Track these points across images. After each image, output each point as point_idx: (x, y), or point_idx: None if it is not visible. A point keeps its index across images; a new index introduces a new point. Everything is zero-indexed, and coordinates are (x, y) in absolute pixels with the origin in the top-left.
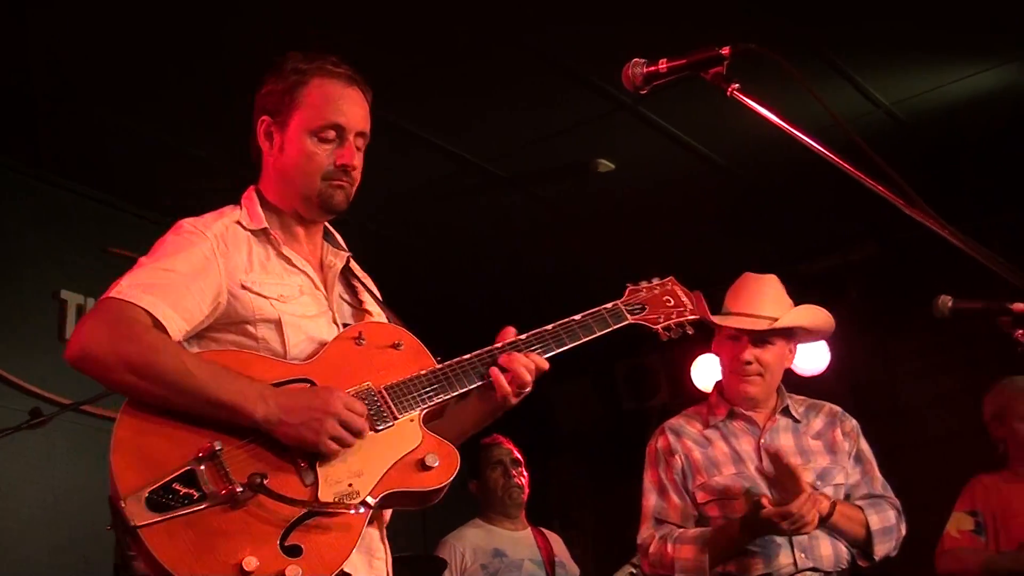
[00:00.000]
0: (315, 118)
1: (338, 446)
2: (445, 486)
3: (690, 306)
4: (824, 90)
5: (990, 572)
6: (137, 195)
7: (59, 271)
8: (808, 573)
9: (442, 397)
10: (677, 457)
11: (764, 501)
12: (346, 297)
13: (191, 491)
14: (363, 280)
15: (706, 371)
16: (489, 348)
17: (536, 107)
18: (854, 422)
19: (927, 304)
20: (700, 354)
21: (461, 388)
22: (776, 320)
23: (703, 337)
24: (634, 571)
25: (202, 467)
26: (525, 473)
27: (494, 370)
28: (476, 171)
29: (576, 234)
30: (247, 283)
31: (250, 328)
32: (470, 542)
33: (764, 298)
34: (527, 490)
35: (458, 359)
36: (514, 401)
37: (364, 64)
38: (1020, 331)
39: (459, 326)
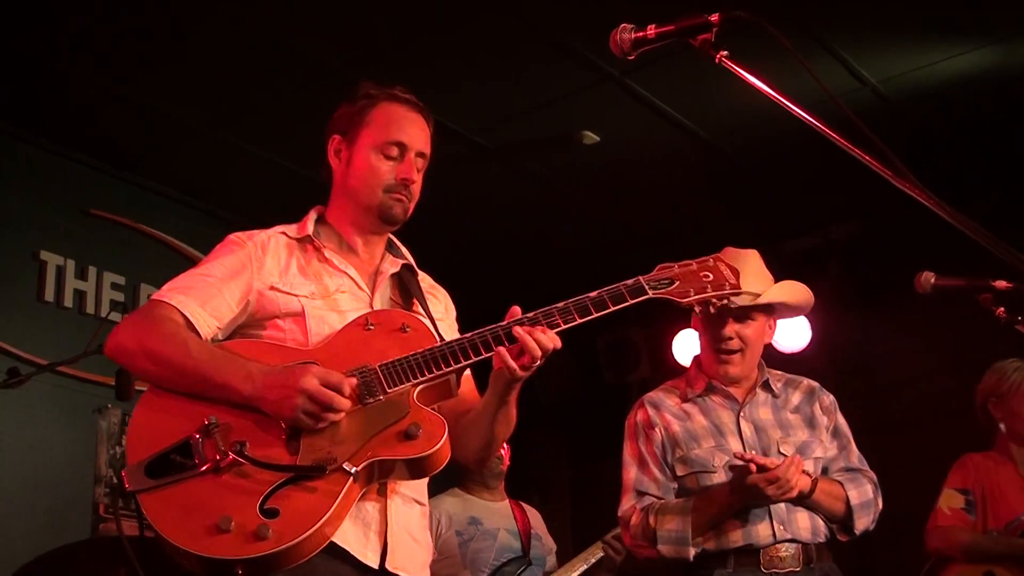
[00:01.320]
0: (380, 135)
1: (312, 420)
2: (433, 454)
3: (732, 280)
4: (811, 66)
5: (976, 552)
6: (119, 158)
7: (40, 232)
8: (787, 544)
9: (434, 371)
10: (657, 430)
11: (751, 467)
12: (396, 299)
13: (185, 460)
14: (426, 291)
15: (687, 346)
16: (491, 326)
17: (522, 78)
18: (831, 397)
19: (909, 282)
20: (681, 329)
21: (455, 364)
22: (758, 296)
23: (682, 313)
24: (605, 549)
25: (198, 437)
26: (506, 445)
27: (499, 347)
28: (461, 142)
29: (561, 206)
30: (277, 284)
31: (279, 322)
32: (446, 509)
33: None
34: (507, 462)
35: (457, 338)
36: (522, 374)
37: (350, 35)
38: (1001, 308)
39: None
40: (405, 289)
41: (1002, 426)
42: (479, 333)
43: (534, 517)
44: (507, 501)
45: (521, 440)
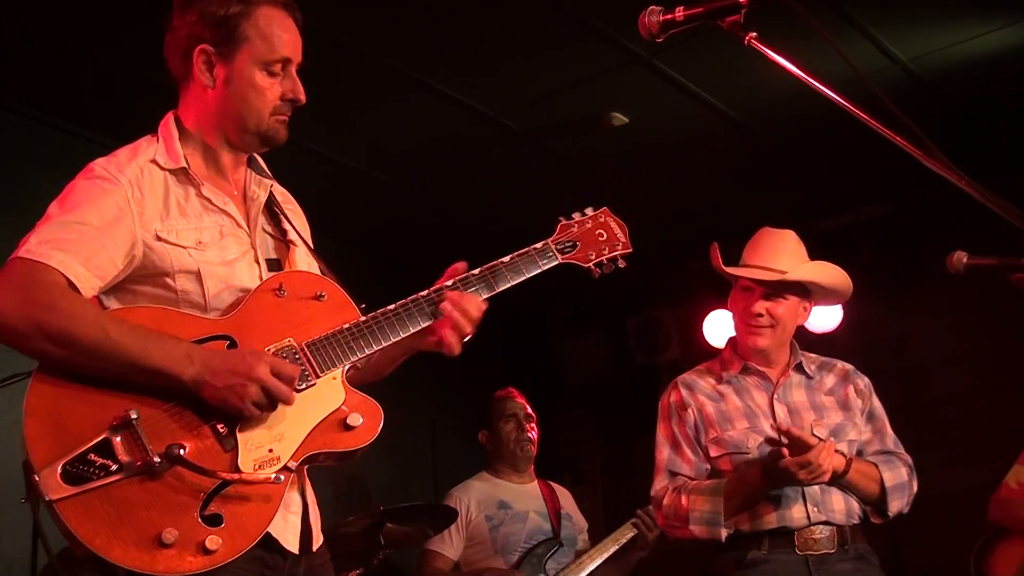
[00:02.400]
0: (264, 52)
1: (258, 412)
2: (369, 444)
3: (622, 239)
4: (840, 45)
5: None
6: None
7: None
8: (821, 526)
9: (365, 352)
10: (690, 411)
11: (783, 451)
12: (269, 229)
13: (107, 462)
14: (284, 207)
15: (718, 327)
16: (413, 297)
17: (550, 60)
18: (867, 380)
19: (940, 262)
20: (712, 309)
21: (385, 341)
22: (786, 273)
23: (715, 292)
24: (635, 528)
25: (117, 437)
26: (536, 429)
27: (443, 322)
28: (489, 124)
29: (590, 188)
30: (163, 233)
31: (168, 280)
32: (475, 494)
33: (779, 252)
34: (536, 446)
35: (382, 310)
36: (457, 351)
37: (377, 19)
38: None
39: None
40: (273, 214)
41: None
42: (403, 305)
43: (564, 497)
44: (536, 482)
45: (552, 421)
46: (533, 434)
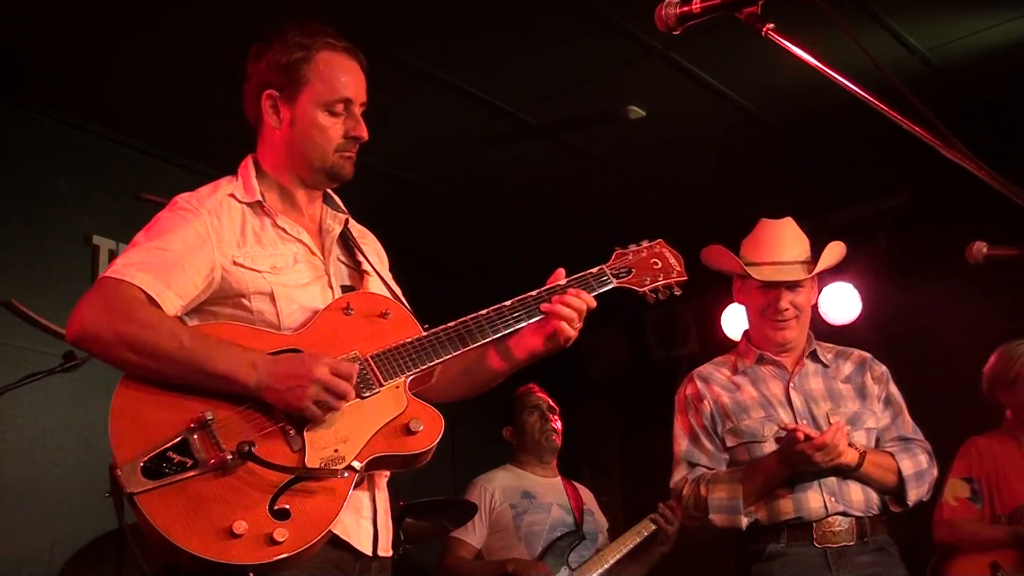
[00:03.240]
0: (326, 93)
1: (322, 411)
2: (430, 449)
3: (677, 268)
4: (858, 36)
5: (980, 543)
6: (168, 142)
7: (91, 217)
8: (839, 518)
9: (426, 364)
10: (706, 403)
11: (799, 435)
12: (344, 259)
13: (184, 459)
14: (361, 241)
15: (736, 320)
16: (473, 315)
17: (567, 54)
18: (884, 368)
19: (959, 252)
20: (730, 303)
21: (445, 355)
22: (812, 265)
23: (731, 287)
24: (656, 520)
25: (195, 436)
26: (560, 420)
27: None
28: (506, 118)
29: (606, 181)
30: (239, 259)
31: (245, 301)
32: (499, 483)
33: (787, 243)
34: (561, 438)
35: (443, 327)
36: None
37: (393, 13)
38: None
39: (487, 271)
40: (348, 247)
41: (1008, 413)
42: (463, 322)
43: (586, 495)
44: (560, 478)
45: (572, 415)
46: (557, 425)
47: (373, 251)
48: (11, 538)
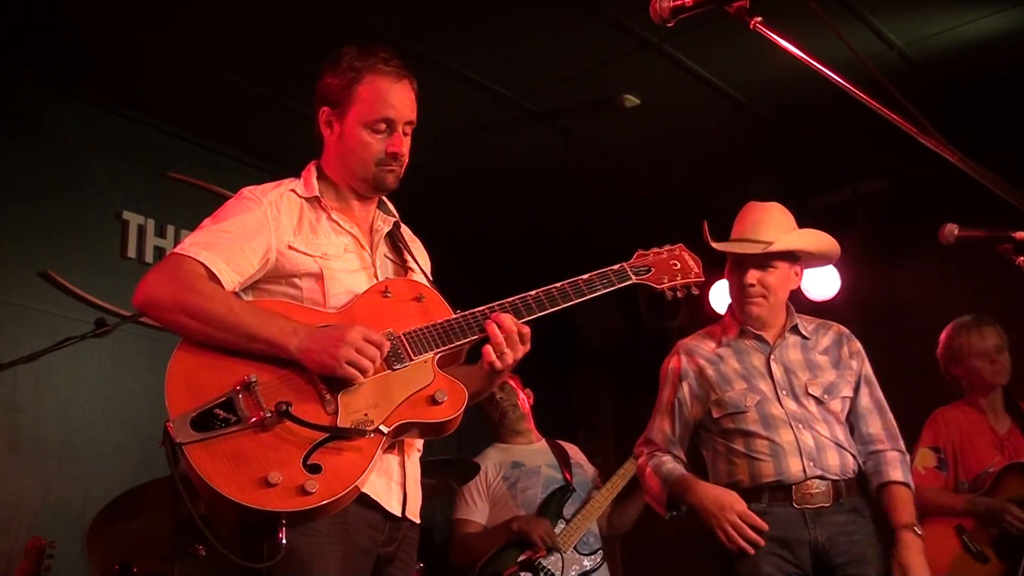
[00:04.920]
0: (368, 113)
1: (355, 370)
2: (454, 418)
3: (696, 270)
4: (840, 30)
5: (944, 511)
6: (195, 124)
7: (122, 194)
8: (816, 480)
9: (453, 343)
10: (685, 383)
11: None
12: (390, 256)
13: (229, 416)
14: (410, 244)
15: (722, 295)
16: (502, 301)
17: (566, 45)
18: (859, 344)
19: (933, 234)
20: (717, 279)
21: (471, 336)
22: (772, 244)
23: (719, 263)
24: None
25: (239, 396)
26: (521, 390)
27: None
28: (508, 105)
29: (605, 166)
30: (294, 244)
31: (296, 280)
32: (491, 460)
33: (764, 224)
34: (526, 404)
35: (471, 310)
36: (499, 365)
37: (400, 4)
38: (1021, 258)
39: (492, 253)
40: (396, 246)
41: (964, 383)
42: (489, 307)
43: (572, 450)
44: (543, 441)
45: (569, 382)
46: (516, 398)
47: (420, 254)
48: (48, 490)
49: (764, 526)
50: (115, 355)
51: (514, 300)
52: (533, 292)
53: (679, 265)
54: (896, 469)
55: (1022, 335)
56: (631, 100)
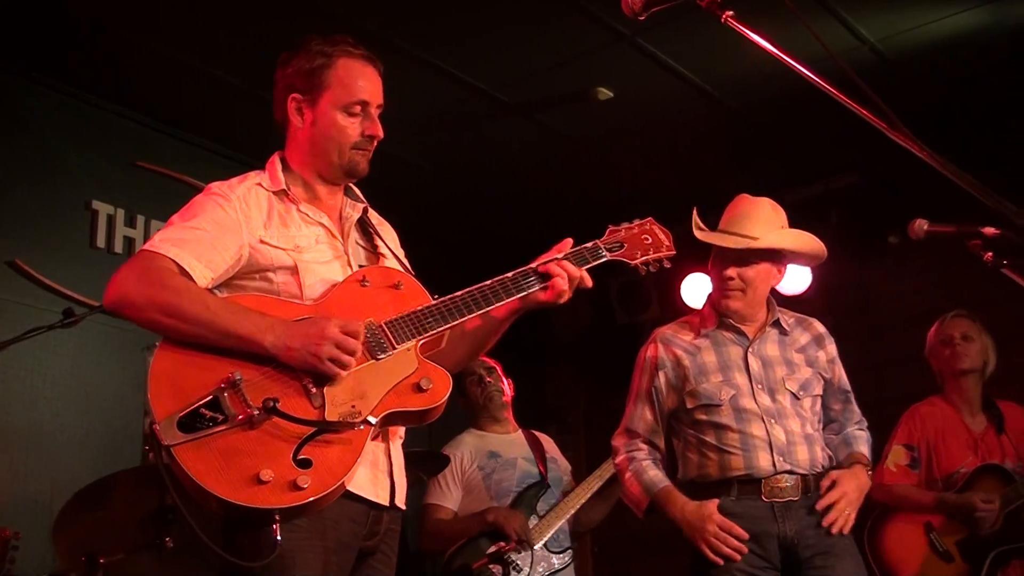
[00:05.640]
0: (344, 96)
1: (337, 367)
2: (440, 405)
3: (667, 243)
4: (812, 25)
5: (915, 509)
6: (164, 114)
7: (92, 183)
8: (785, 475)
9: (435, 329)
10: (662, 372)
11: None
12: (362, 243)
13: (216, 415)
14: (379, 228)
15: (695, 288)
16: (478, 286)
17: (541, 37)
18: (835, 346)
19: (904, 229)
20: (689, 272)
21: (452, 321)
22: (756, 240)
23: (692, 256)
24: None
25: (225, 394)
26: (505, 378)
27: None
28: (483, 97)
29: (578, 158)
30: (266, 238)
31: (271, 275)
32: (466, 447)
33: (751, 219)
34: (509, 393)
35: (451, 295)
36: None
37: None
38: (989, 253)
39: (465, 245)
40: (366, 231)
41: (939, 377)
42: (470, 292)
43: (547, 443)
44: (520, 431)
45: (540, 375)
46: (501, 383)
47: (390, 238)
48: (14, 481)
49: (744, 534)
50: (83, 345)
51: (492, 283)
52: (510, 274)
53: (650, 239)
54: (863, 445)
55: (991, 331)
56: (604, 93)
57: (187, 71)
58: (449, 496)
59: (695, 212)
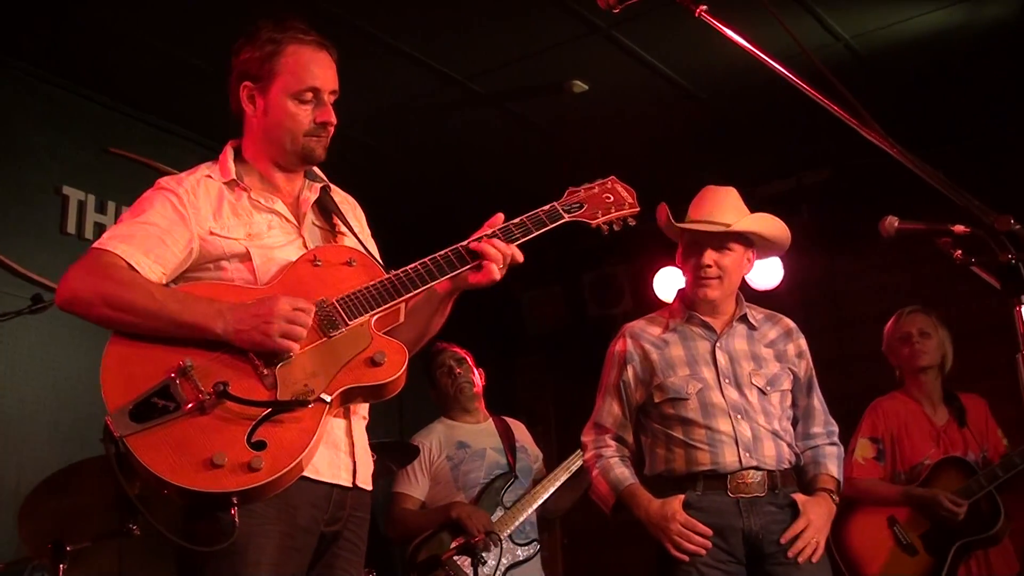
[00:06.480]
0: (293, 83)
1: (288, 341)
2: (397, 378)
3: (630, 200)
4: (787, 21)
5: (880, 502)
6: (136, 99)
7: (62, 168)
8: (753, 471)
9: (388, 303)
10: (631, 366)
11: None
12: (319, 223)
13: (167, 403)
14: (342, 205)
15: (667, 282)
16: (432, 256)
17: (516, 29)
18: (804, 342)
19: (874, 225)
20: (662, 266)
21: (407, 293)
22: (730, 225)
23: (665, 250)
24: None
25: (176, 382)
26: (475, 368)
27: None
28: (457, 88)
29: (551, 150)
30: (215, 229)
31: (224, 263)
32: (435, 437)
33: (722, 206)
34: (479, 383)
35: (403, 268)
36: (497, 276)
37: None
38: (958, 251)
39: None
40: (326, 210)
41: (898, 373)
42: (423, 263)
43: (518, 429)
44: (490, 420)
45: (511, 368)
46: (472, 375)
47: (353, 215)
48: None
49: (708, 531)
50: (52, 331)
51: (446, 253)
52: (461, 244)
53: (612, 198)
54: (832, 463)
55: (959, 327)
56: (579, 85)
57: (159, 56)
58: (416, 486)
59: (664, 207)
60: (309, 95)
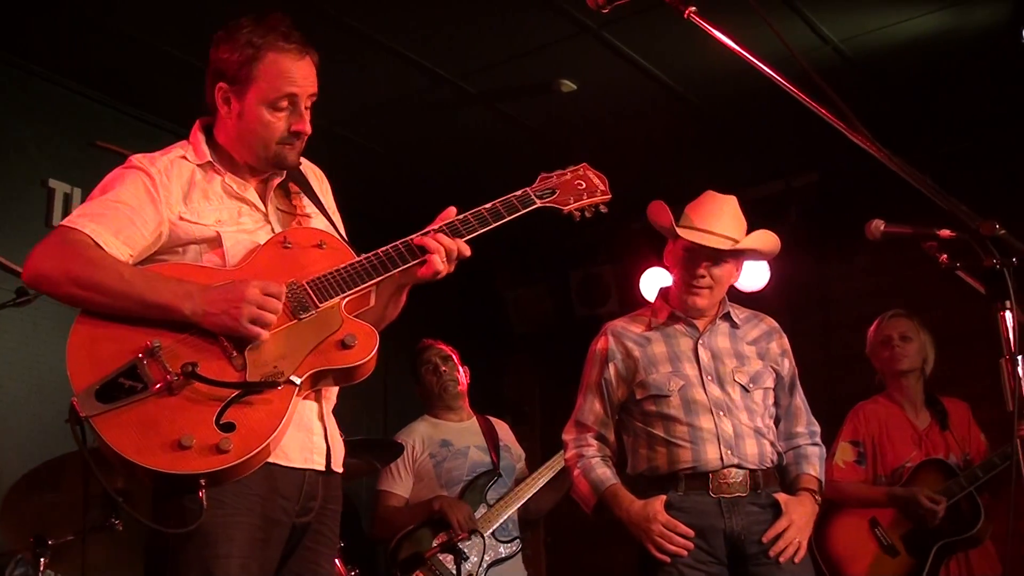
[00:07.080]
0: (270, 92)
1: (258, 327)
2: (367, 361)
3: (601, 187)
4: (776, 24)
5: (861, 503)
6: (123, 93)
7: (48, 161)
8: (735, 470)
9: (358, 285)
10: (612, 364)
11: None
12: (282, 207)
13: (134, 384)
14: (311, 182)
15: (654, 282)
16: (404, 239)
17: (506, 28)
18: (787, 341)
19: (861, 228)
20: (649, 266)
21: (377, 276)
22: (737, 242)
23: (652, 250)
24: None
25: (144, 362)
26: (461, 366)
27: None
28: (447, 87)
29: (539, 149)
30: (185, 214)
31: (194, 247)
32: (419, 435)
33: (724, 217)
34: (464, 381)
35: (374, 251)
36: (433, 276)
37: None
38: (944, 255)
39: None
40: (288, 192)
41: (879, 376)
42: (394, 246)
43: (501, 429)
44: (474, 419)
45: (497, 367)
46: (456, 373)
47: (320, 189)
48: None
49: (689, 532)
50: (36, 325)
51: (413, 237)
52: (436, 225)
53: (584, 184)
54: (815, 463)
55: (945, 330)
56: (568, 85)
57: (147, 50)
58: (400, 483)
59: (668, 211)
60: (285, 103)
